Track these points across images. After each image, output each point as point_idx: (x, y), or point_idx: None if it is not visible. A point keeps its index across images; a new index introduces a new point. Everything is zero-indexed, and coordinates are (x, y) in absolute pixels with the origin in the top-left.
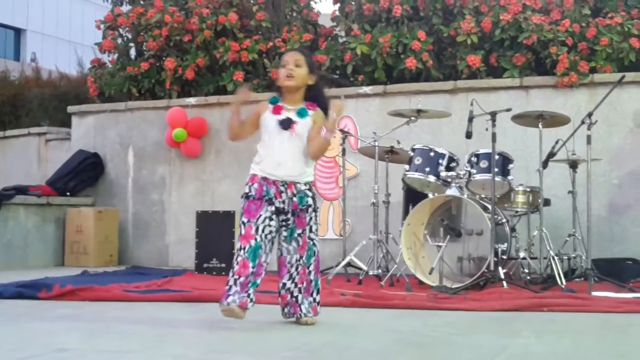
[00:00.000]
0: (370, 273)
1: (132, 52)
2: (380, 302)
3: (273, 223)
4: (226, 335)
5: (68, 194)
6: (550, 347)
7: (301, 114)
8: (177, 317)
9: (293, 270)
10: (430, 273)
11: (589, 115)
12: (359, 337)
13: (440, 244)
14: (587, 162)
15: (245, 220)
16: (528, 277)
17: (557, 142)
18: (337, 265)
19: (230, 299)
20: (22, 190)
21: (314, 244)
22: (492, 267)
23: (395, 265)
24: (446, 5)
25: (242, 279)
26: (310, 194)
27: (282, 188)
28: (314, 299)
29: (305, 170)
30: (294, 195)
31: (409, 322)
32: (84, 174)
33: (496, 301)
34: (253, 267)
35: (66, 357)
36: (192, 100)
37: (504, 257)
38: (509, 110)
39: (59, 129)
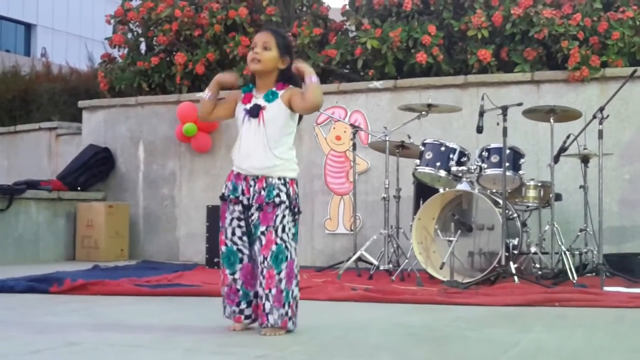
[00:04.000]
0: (381, 268)
1: (143, 47)
2: (391, 296)
3: (244, 223)
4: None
5: (79, 188)
6: (562, 342)
7: (269, 97)
8: (188, 311)
9: (259, 274)
10: (441, 268)
11: (601, 109)
12: (370, 332)
13: (451, 238)
14: (599, 156)
15: (220, 225)
16: (539, 272)
17: (568, 137)
18: (347, 260)
19: (226, 311)
20: (33, 184)
21: (285, 247)
22: (503, 262)
23: (406, 260)
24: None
25: (226, 289)
26: (284, 189)
27: (252, 182)
28: (285, 312)
29: (277, 162)
30: (263, 189)
31: (420, 316)
32: (94, 169)
33: (507, 296)
34: (232, 274)
35: (77, 351)
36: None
37: (515, 252)
38: (520, 104)
39: (70, 123)
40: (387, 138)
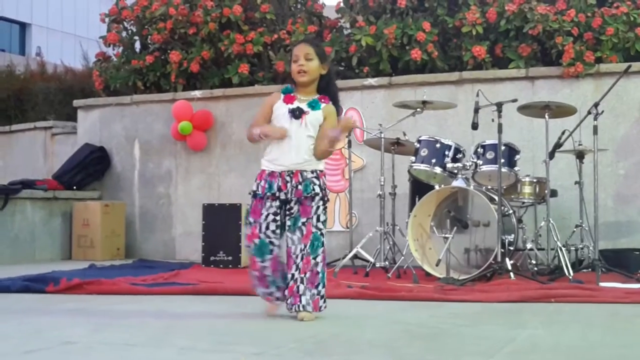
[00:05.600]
0: (377, 265)
1: (137, 45)
2: (387, 294)
3: (279, 218)
4: (233, 327)
5: (74, 187)
6: (558, 337)
7: (313, 105)
8: (184, 310)
9: (298, 260)
10: (437, 265)
11: (595, 105)
12: (366, 329)
13: (447, 235)
14: (594, 152)
15: (251, 220)
16: (535, 268)
17: (563, 133)
18: (343, 258)
19: (258, 290)
20: (28, 184)
21: (321, 234)
22: (499, 259)
23: (402, 257)
24: None
25: (256, 273)
26: (317, 182)
27: (287, 178)
28: (318, 292)
29: (312, 158)
30: (299, 184)
31: (416, 313)
32: (90, 168)
33: (503, 292)
34: (262, 262)
35: (73, 350)
36: (197, 93)
37: (511, 248)
38: (514, 101)
39: (65, 122)
40: (383, 135)
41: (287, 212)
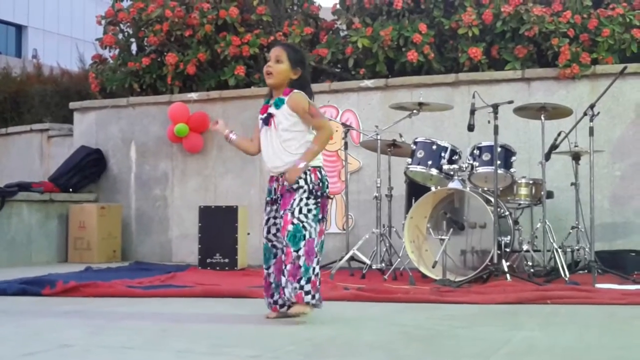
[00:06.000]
0: (374, 267)
1: (133, 48)
2: (384, 296)
3: (279, 220)
4: (230, 330)
5: (71, 190)
6: (554, 339)
7: (277, 104)
8: (180, 312)
9: (280, 252)
10: (433, 266)
11: (591, 106)
12: (363, 331)
13: (443, 237)
14: (590, 153)
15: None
16: (531, 270)
17: (559, 134)
18: (340, 260)
19: (265, 302)
20: (24, 186)
21: (303, 226)
22: (495, 260)
23: (399, 259)
24: None
25: (264, 282)
26: (303, 176)
27: (280, 179)
28: (301, 286)
29: (293, 158)
30: (286, 180)
31: (413, 315)
32: (86, 170)
33: (499, 294)
34: (267, 269)
35: (70, 353)
36: (193, 95)
37: (507, 249)
38: (510, 102)
39: (61, 125)
40: (379, 137)
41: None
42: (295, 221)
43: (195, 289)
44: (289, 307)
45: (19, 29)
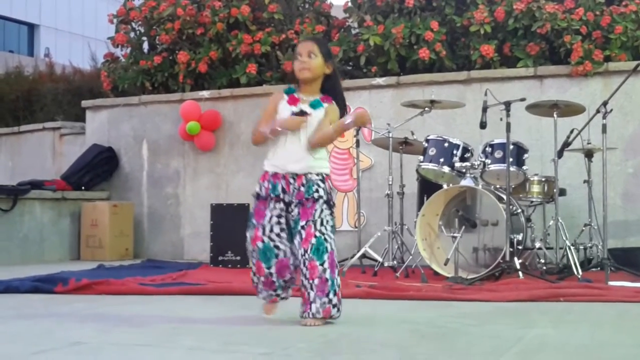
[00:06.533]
0: (386, 264)
1: (145, 46)
2: (396, 293)
3: (283, 220)
4: (241, 327)
5: (83, 188)
6: (567, 337)
7: (314, 105)
8: (192, 310)
9: (302, 266)
10: (445, 264)
11: (604, 104)
12: (375, 329)
13: (455, 234)
14: (603, 151)
15: (254, 222)
16: (544, 267)
17: (572, 132)
18: (352, 257)
19: (261, 294)
20: (37, 185)
21: (325, 239)
22: (507, 258)
23: (411, 257)
24: None
25: (263, 278)
26: (322, 185)
27: (291, 180)
28: (329, 300)
29: (315, 162)
30: (302, 186)
31: (425, 313)
32: (98, 168)
33: (512, 292)
34: (268, 268)
35: (82, 350)
36: (205, 93)
37: (520, 247)
38: (523, 100)
39: (73, 123)
40: (391, 134)
41: (290, 216)
42: (318, 234)
43: (207, 287)
44: (303, 312)
45: (31, 27)
